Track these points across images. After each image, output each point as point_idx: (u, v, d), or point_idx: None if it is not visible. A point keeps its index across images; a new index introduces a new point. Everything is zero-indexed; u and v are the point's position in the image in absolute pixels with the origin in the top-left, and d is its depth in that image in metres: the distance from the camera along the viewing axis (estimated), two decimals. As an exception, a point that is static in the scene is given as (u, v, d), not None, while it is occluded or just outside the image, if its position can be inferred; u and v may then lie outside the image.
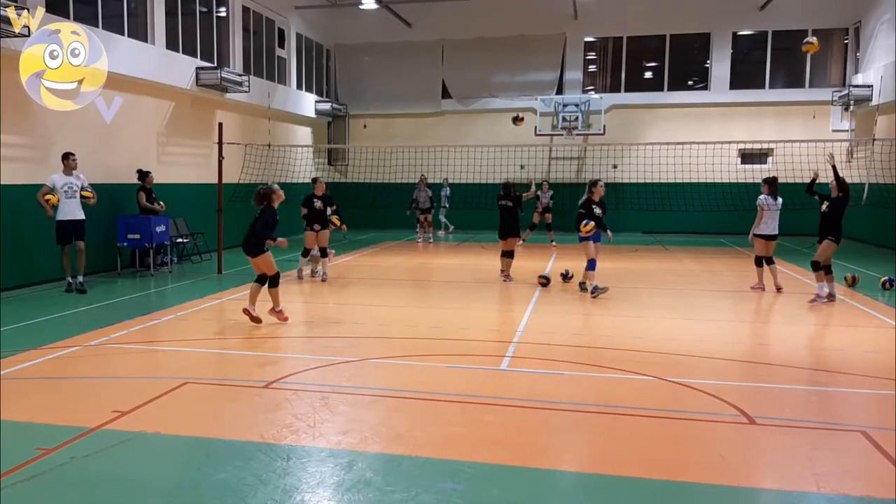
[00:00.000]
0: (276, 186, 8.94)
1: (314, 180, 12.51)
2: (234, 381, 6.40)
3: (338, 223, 12.42)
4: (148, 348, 7.80)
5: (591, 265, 10.86)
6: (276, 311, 8.76)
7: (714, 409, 5.59)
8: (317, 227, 12.13)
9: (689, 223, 20.92)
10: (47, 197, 10.69)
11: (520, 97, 23.14)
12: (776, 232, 11.21)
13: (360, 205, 20.32)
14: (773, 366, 7.08)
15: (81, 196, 11.01)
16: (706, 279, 13.38)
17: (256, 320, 8.59)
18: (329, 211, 12.35)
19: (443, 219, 21.56)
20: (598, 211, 10.79)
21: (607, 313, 9.80)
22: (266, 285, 8.73)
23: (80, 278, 11.04)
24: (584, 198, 11.16)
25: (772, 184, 11.25)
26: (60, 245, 11.01)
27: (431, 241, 19.65)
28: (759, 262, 11.53)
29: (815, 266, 10.18)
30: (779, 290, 11.17)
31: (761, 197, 11.24)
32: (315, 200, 12.14)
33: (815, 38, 12.28)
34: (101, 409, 5.43)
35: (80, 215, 11.08)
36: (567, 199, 21.42)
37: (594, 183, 10.96)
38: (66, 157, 10.99)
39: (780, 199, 11.18)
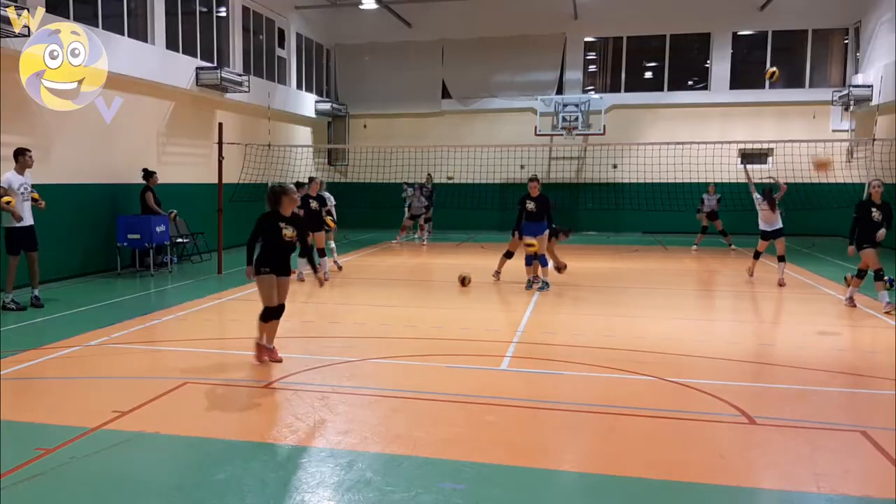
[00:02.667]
0: (290, 188, 7.03)
1: (310, 180, 12.50)
2: (234, 381, 6.39)
3: (331, 224, 12.39)
4: (148, 348, 7.80)
5: (539, 260, 11.26)
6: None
7: (714, 409, 5.59)
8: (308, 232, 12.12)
9: (689, 223, 20.91)
10: (7, 199, 9.23)
11: (520, 97, 23.14)
12: (771, 228, 11.79)
13: (360, 205, 20.34)
14: (773, 366, 7.09)
15: (32, 199, 9.69)
16: (706, 279, 13.37)
17: (276, 358, 7.00)
18: (324, 212, 12.34)
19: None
20: (530, 205, 11.20)
21: (607, 313, 9.80)
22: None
23: (36, 291, 9.83)
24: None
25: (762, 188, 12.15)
26: (11, 255, 9.57)
27: (425, 243, 19.00)
28: (756, 255, 12.38)
29: (879, 275, 9.71)
30: (780, 284, 11.46)
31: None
32: (311, 201, 12.08)
33: (774, 68, 12.08)
34: (101, 409, 5.43)
35: (32, 221, 9.70)
36: (567, 199, 21.48)
37: (530, 180, 11.46)
38: (23, 153, 9.59)
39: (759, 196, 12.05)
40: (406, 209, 19.71)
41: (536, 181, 11.40)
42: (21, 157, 9.63)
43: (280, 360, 6.90)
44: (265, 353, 6.94)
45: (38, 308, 9.66)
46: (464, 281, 11.65)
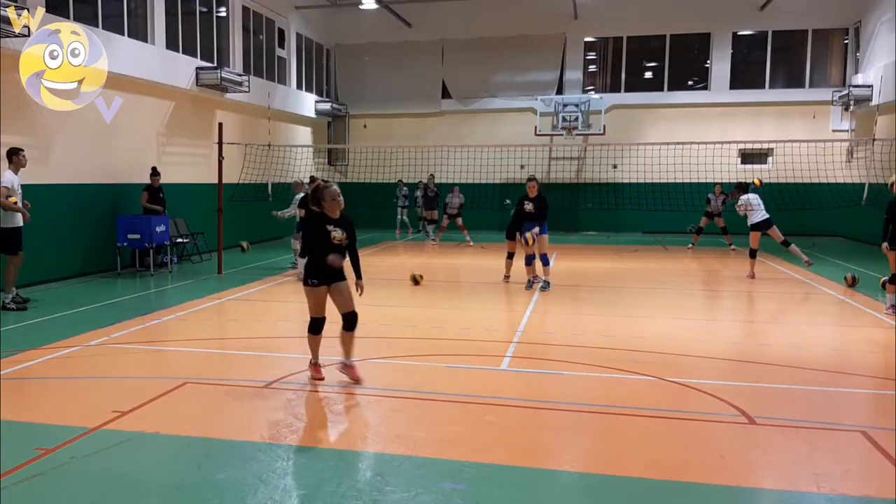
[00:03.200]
0: (329, 190, 6.22)
1: (312, 179, 12.48)
2: (234, 381, 6.39)
3: None
4: (148, 348, 7.80)
5: (540, 259, 11.30)
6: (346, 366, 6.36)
7: (714, 409, 5.59)
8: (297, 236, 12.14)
9: (689, 223, 20.95)
10: (14, 200, 9.28)
11: (520, 97, 23.14)
12: (760, 219, 12.46)
13: (360, 205, 20.33)
14: (774, 366, 7.08)
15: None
16: (706, 279, 13.37)
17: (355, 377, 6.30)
18: None
19: (405, 219, 21.55)
20: (528, 206, 11.19)
21: (607, 313, 9.80)
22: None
23: (16, 291, 9.70)
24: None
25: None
26: (11, 254, 9.56)
27: (470, 242, 18.41)
28: (752, 254, 12.68)
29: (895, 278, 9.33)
30: (808, 263, 12.41)
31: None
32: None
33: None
34: (101, 409, 5.43)
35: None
36: (567, 199, 21.50)
37: (528, 180, 11.48)
38: (16, 152, 9.60)
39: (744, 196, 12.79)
40: (419, 209, 19.71)
41: (535, 181, 11.39)
42: (15, 157, 9.61)
43: (359, 381, 6.18)
44: (318, 370, 6.39)
45: (25, 302, 9.67)
46: (415, 279, 11.80)
